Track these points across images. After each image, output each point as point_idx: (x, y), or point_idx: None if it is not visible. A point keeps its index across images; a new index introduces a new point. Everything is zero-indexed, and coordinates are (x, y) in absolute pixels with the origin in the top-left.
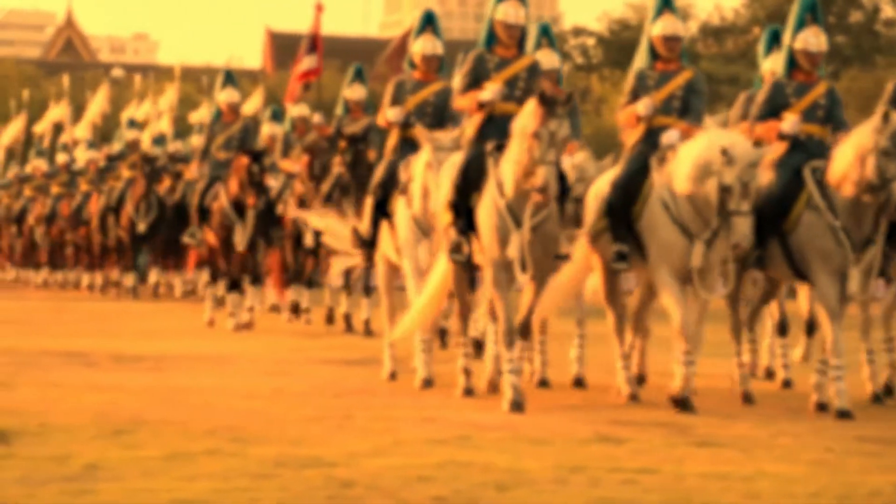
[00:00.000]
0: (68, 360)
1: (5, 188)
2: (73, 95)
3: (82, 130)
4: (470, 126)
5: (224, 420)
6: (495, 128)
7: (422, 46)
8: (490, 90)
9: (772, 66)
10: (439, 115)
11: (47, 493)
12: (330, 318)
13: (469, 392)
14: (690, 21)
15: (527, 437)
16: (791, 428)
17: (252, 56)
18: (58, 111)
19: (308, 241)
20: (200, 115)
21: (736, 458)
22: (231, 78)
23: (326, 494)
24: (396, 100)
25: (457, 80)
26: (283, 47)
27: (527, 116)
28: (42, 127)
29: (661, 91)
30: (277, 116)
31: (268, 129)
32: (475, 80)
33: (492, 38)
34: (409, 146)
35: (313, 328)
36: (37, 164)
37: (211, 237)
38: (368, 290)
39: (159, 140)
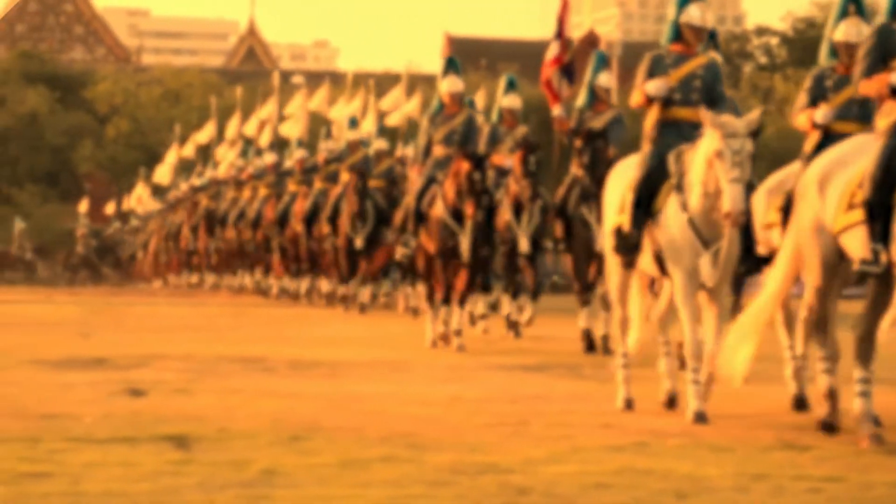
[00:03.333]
0: (246, 366)
1: (203, 190)
2: (252, 102)
3: (292, 129)
4: (885, 115)
5: (399, 427)
6: None
7: (689, 16)
8: None
9: None
10: (709, 92)
11: (225, 498)
12: (591, 344)
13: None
14: (878, 18)
15: (707, 444)
16: None
17: (431, 61)
18: (267, 109)
19: (524, 246)
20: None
21: None
22: (454, 64)
23: (502, 501)
24: (654, 75)
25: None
26: (462, 52)
27: None
28: (251, 128)
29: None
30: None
31: None
32: (881, 57)
33: None
34: (672, 131)
35: (490, 335)
36: (241, 165)
37: (429, 246)
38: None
39: (364, 142)
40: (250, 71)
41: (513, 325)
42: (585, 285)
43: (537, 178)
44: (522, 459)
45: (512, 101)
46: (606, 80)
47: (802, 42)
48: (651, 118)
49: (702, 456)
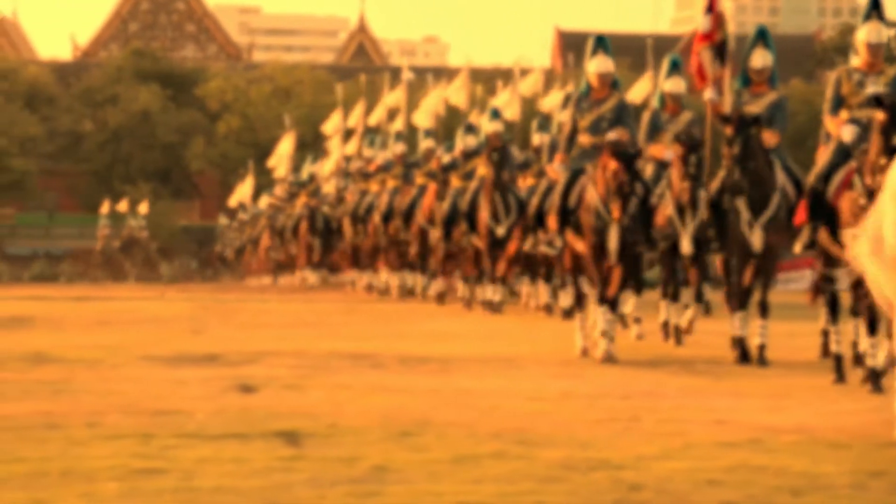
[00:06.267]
0: (356, 362)
1: (303, 185)
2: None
3: (425, 119)
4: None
5: (511, 422)
6: None
7: None
8: None
9: None
10: None
11: (336, 494)
12: (744, 354)
13: None
14: None
15: (823, 441)
16: None
17: (541, 56)
18: (394, 97)
19: (685, 248)
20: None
21: None
22: (603, 43)
23: (614, 498)
24: None
25: None
26: (572, 46)
27: None
28: (376, 116)
29: None
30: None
31: None
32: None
33: None
34: None
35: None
36: (370, 156)
37: (579, 244)
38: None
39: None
40: (361, 67)
41: (674, 332)
42: (740, 289)
43: (699, 180)
44: (634, 456)
45: (675, 85)
46: (761, 59)
47: None
48: None
49: (817, 452)
